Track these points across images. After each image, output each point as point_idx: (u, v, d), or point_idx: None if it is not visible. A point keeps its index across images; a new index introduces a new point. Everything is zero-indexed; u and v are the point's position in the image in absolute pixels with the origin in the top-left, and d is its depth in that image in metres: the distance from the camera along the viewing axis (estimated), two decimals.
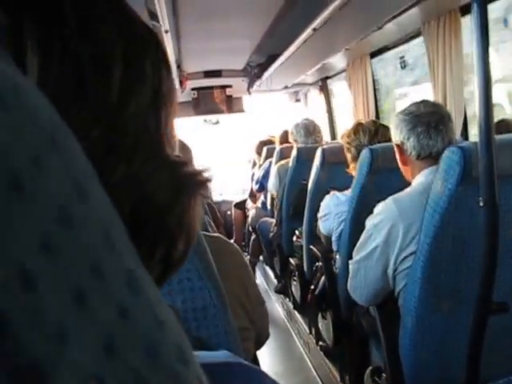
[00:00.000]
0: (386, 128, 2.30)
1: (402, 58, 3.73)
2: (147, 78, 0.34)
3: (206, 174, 0.37)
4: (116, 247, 0.17)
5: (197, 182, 0.36)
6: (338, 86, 5.32)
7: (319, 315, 2.75)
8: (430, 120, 1.70)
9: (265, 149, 5.21)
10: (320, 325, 2.78)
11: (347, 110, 4.84)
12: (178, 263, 0.36)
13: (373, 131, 2.29)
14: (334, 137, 5.23)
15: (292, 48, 3.49)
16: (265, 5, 3.14)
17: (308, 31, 2.96)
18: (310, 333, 3.37)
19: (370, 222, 1.73)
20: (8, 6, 0.27)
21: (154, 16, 2.66)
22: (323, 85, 5.32)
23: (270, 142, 5.44)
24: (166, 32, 2.75)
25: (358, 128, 2.33)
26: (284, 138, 4.52)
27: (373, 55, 4.19)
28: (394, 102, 4.90)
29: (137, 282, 0.17)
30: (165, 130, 0.35)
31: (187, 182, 0.35)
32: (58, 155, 0.16)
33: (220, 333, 1.09)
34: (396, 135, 1.76)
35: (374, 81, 4.33)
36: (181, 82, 5.01)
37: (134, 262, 0.18)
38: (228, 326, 1.10)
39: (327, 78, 5.24)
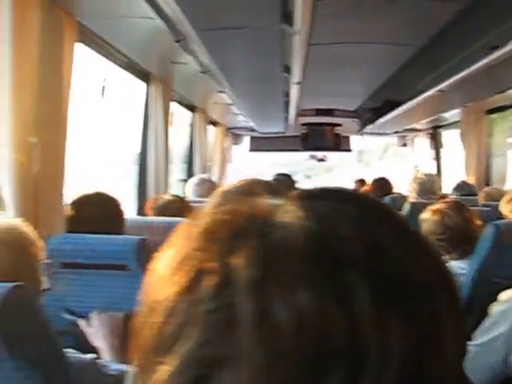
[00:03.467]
0: None
1: None
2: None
3: None
4: None
5: None
6: (448, 135, 5.27)
7: None
8: None
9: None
10: None
11: (456, 160, 4.78)
12: None
13: None
14: (440, 188, 5.14)
15: (412, 102, 3.57)
16: (390, 57, 3.23)
17: (433, 91, 3.03)
18: None
19: (496, 308, 1.69)
20: None
21: (287, 69, 2.87)
22: (434, 134, 5.32)
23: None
24: (298, 84, 2.94)
25: None
26: (382, 187, 4.40)
27: (490, 111, 4.17)
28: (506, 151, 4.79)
29: None
30: None
31: None
32: None
33: None
34: None
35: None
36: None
37: None
38: None
39: (439, 126, 5.23)
